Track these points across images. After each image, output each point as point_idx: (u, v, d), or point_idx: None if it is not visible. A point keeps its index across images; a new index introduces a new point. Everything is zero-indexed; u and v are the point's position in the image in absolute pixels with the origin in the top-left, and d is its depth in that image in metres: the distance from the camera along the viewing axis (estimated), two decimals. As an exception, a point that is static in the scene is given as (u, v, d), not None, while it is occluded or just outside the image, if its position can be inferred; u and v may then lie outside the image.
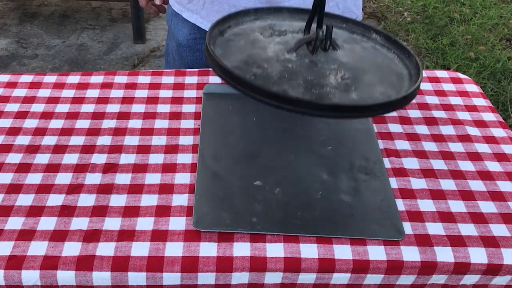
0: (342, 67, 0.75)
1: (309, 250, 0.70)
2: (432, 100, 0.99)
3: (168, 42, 1.22)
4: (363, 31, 0.85)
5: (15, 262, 0.67)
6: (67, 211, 0.74)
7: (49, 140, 0.86)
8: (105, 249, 0.69)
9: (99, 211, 0.74)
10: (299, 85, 0.71)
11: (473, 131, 0.92)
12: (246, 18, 0.82)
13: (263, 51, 0.77)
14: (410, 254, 0.70)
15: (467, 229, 0.74)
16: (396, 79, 0.75)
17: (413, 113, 0.95)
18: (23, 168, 0.81)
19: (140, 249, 0.69)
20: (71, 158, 0.82)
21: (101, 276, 0.67)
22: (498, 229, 0.74)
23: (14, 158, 0.83)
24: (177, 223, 0.73)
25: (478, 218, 0.76)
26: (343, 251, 0.70)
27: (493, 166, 0.85)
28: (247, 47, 0.78)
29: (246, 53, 0.76)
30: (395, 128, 0.91)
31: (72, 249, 0.69)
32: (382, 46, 0.82)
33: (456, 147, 0.88)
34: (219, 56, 0.71)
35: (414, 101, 0.98)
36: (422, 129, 0.92)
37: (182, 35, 1.13)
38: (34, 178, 0.79)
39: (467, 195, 0.79)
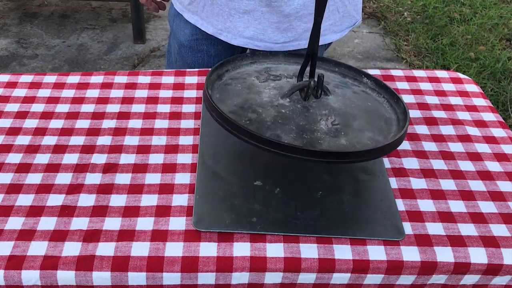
0: (332, 113, 0.78)
1: (309, 250, 0.70)
2: (432, 100, 0.99)
3: (170, 43, 1.22)
4: (354, 75, 0.89)
5: (15, 262, 0.67)
6: (67, 211, 0.74)
7: (49, 140, 0.86)
8: (105, 249, 0.69)
9: (99, 211, 0.74)
10: (291, 131, 0.74)
11: (473, 131, 0.92)
12: (244, 62, 0.87)
13: (258, 96, 0.80)
14: (410, 254, 0.70)
15: (467, 229, 0.74)
16: (384, 124, 0.78)
17: (413, 113, 0.95)
18: (23, 168, 0.81)
19: (140, 249, 0.69)
20: (71, 158, 0.82)
21: (101, 276, 0.67)
22: (498, 229, 0.74)
23: (14, 158, 0.83)
24: (177, 223, 0.73)
25: (478, 218, 0.76)
26: (343, 251, 0.70)
27: (493, 166, 0.85)
28: (244, 91, 0.81)
29: (242, 97, 0.80)
30: (395, 128, 0.91)
31: (72, 249, 0.69)
32: (372, 90, 0.86)
33: (456, 147, 0.88)
34: (216, 100, 0.75)
35: (414, 101, 0.98)
36: (422, 129, 0.92)
37: (184, 36, 1.12)
38: (34, 178, 0.79)
39: (467, 195, 0.79)
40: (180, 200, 0.76)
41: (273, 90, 0.82)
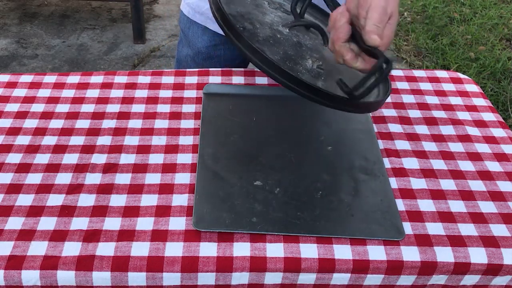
0: (322, 60, 0.78)
1: (309, 250, 0.70)
2: (432, 100, 0.99)
3: (180, 50, 1.20)
4: None
5: (15, 262, 0.67)
6: (67, 211, 0.74)
7: (49, 140, 0.86)
8: (105, 249, 0.69)
9: (99, 211, 0.74)
10: (277, 53, 0.74)
11: (473, 131, 0.92)
12: None
13: (262, 15, 0.80)
14: (410, 254, 0.70)
15: (467, 229, 0.74)
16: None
17: (413, 113, 0.95)
18: (23, 168, 0.81)
19: (140, 249, 0.69)
20: (71, 158, 0.82)
21: (101, 276, 0.67)
22: (498, 229, 0.74)
23: (14, 158, 0.82)
24: (177, 223, 0.73)
25: (478, 218, 0.76)
26: (343, 251, 0.70)
27: (493, 166, 0.85)
28: (250, 6, 0.80)
29: (246, 9, 0.79)
30: (395, 128, 0.91)
31: (72, 249, 0.69)
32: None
33: (456, 147, 0.88)
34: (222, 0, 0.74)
35: (414, 101, 0.98)
36: (422, 129, 0.92)
37: (202, 42, 1.12)
38: (34, 178, 0.79)
39: (467, 195, 0.79)
40: (180, 200, 0.76)
41: (278, 18, 0.82)
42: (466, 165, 0.85)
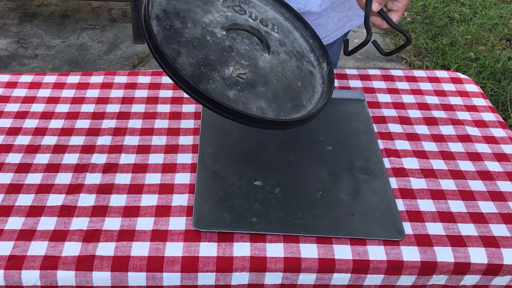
0: (250, 68, 0.75)
1: (309, 250, 0.70)
2: (432, 100, 0.99)
3: None
4: (322, 54, 0.85)
5: (15, 262, 0.67)
6: (67, 211, 0.74)
7: (49, 140, 0.86)
8: (105, 249, 0.69)
9: (99, 211, 0.74)
10: (195, 56, 0.71)
11: (473, 131, 0.92)
12: None
13: (202, 14, 0.76)
14: (410, 254, 0.70)
15: (467, 229, 0.74)
16: (290, 107, 0.75)
17: (413, 113, 0.95)
18: (23, 168, 0.81)
19: (140, 249, 0.69)
20: (71, 158, 0.82)
21: (101, 276, 0.67)
22: (498, 229, 0.74)
23: (14, 158, 0.82)
24: (177, 223, 0.73)
25: (478, 218, 0.76)
26: (343, 251, 0.70)
27: (493, 166, 0.85)
28: (196, 3, 0.77)
29: (188, 6, 0.76)
30: (395, 128, 0.91)
31: (72, 249, 0.69)
32: (320, 78, 0.83)
33: (456, 147, 0.88)
34: None
35: (414, 101, 0.98)
36: (422, 129, 0.92)
37: None
38: (34, 178, 0.79)
39: (467, 195, 0.79)
40: (180, 200, 0.76)
41: (223, 18, 0.77)
42: (466, 165, 0.85)
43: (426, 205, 0.77)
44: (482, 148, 0.88)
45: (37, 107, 0.93)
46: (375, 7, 0.79)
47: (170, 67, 0.67)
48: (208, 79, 0.70)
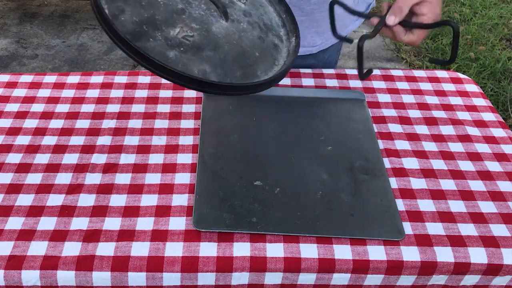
0: (200, 32, 0.73)
1: (309, 250, 0.70)
2: (432, 100, 0.99)
3: None
4: (292, 29, 0.84)
5: (15, 262, 0.67)
6: (67, 211, 0.74)
7: (49, 140, 0.86)
8: (105, 249, 0.69)
9: (99, 211, 0.74)
10: (140, 15, 0.70)
11: (473, 131, 0.92)
12: None
13: None
14: (410, 254, 0.70)
15: (467, 229, 0.74)
16: (240, 74, 0.74)
17: (413, 113, 0.95)
18: (23, 168, 0.81)
19: (140, 249, 0.69)
20: (71, 158, 0.82)
21: (101, 276, 0.67)
22: (498, 229, 0.74)
23: (14, 158, 0.82)
24: (177, 223, 0.73)
25: (478, 218, 0.76)
26: (343, 251, 0.70)
27: (493, 166, 0.85)
28: None
29: None
30: (395, 128, 0.91)
31: (72, 249, 0.69)
32: (286, 52, 0.81)
33: (456, 147, 0.88)
34: None
35: (414, 101, 0.98)
36: (422, 129, 0.92)
37: None
38: (34, 178, 0.79)
39: (467, 195, 0.79)
40: (180, 200, 0.76)
41: None
42: (466, 165, 0.85)
43: (426, 205, 0.77)
44: (482, 148, 0.88)
45: (37, 107, 0.93)
46: (391, 20, 0.76)
47: (106, 23, 0.66)
48: (149, 37, 0.69)
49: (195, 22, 0.73)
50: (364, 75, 0.79)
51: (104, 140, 0.86)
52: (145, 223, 0.73)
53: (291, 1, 0.97)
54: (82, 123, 0.90)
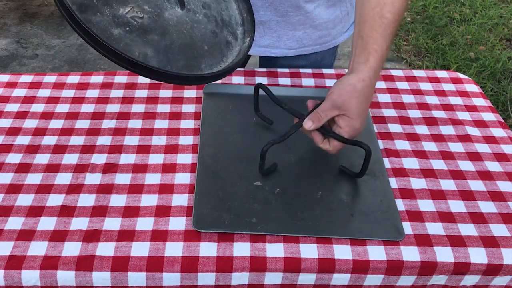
0: (151, 15, 0.73)
1: (309, 250, 0.70)
2: (432, 100, 0.99)
3: None
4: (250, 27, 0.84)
5: (15, 262, 0.67)
6: (67, 211, 0.74)
7: (49, 140, 0.86)
8: (105, 249, 0.69)
9: (99, 211, 0.74)
10: None
11: (473, 131, 0.92)
12: None
13: None
14: (410, 254, 0.70)
15: (467, 229, 0.74)
16: (182, 63, 0.73)
17: (413, 113, 0.95)
18: (23, 168, 0.81)
19: (140, 249, 0.69)
20: (71, 158, 0.82)
21: (101, 276, 0.67)
22: (498, 229, 0.74)
23: (14, 158, 0.82)
24: (177, 223, 0.73)
25: (478, 218, 0.76)
26: (343, 251, 0.70)
27: (493, 166, 0.85)
28: None
29: None
30: (395, 128, 0.91)
31: (72, 249, 0.69)
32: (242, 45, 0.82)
33: (456, 147, 0.88)
34: None
35: (414, 101, 0.98)
36: (422, 129, 0.92)
37: None
38: (34, 178, 0.79)
39: (467, 195, 0.79)
40: (180, 200, 0.76)
41: None
42: (466, 165, 0.85)
43: (426, 205, 0.77)
44: (482, 148, 0.88)
45: (37, 107, 0.93)
46: (308, 125, 0.75)
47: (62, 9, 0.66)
48: (96, 11, 0.69)
49: (148, 5, 0.73)
50: (265, 171, 0.80)
51: (104, 140, 0.86)
52: (145, 223, 0.73)
53: (268, 0, 0.98)
54: (82, 123, 0.89)
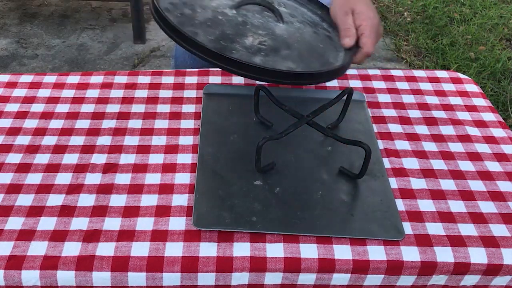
0: (269, 36, 0.78)
1: (309, 250, 0.70)
2: (432, 100, 0.99)
3: (178, 47, 1.20)
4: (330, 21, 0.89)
5: (15, 262, 0.67)
6: (67, 211, 0.74)
7: (49, 140, 0.86)
8: (105, 249, 0.69)
9: (99, 211, 0.74)
10: (212, 34, 0.74)
11: (473, 131, 0.92)
12: None
13: (209, 0, 0.81)
14: (410, 254, 0.70)
15: (467, 229, 0.74)
16: (317, 64, 0.78)
17: (413, 113, 0.95)
18: (23, 168, 0.81)
19: (140, 249, 0.69)
20: (71, 158, 0.82)
21: (101, 276, 0.67)
22: (498, 229, 0.74)
23: (14, 158, 0.82)
24: (177, 223, 0.73)
25: (478, 218, 0.76)
26: (343, 251, 0.70)
27: (493, 166, 0.85)
28: None
29: None
30: (395, 128, 0.91)
31: (72, 249, 0.69)
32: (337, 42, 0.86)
33: (456, 147, 0.88)
34: None
35: (414, 101, 0.98)
36: (422, 129, 0.92)
37: None
38: (34, 178, 0.79)
39: (467, 195, 0.79)
40: (180, 200, 0.76)
41: (229, 0, 0.83)
42: (466, 165, 0.85)
43: (426, 205, 0.77)
44: (482, 148, 0.88)
45: (37, 107, 0.93)
46: (347, 43, 0.80)
47: (192, 43, 0.69)
48: (231, 50, 0.73)
49: (260, 29, 0.79)
50: (261, 169, 0.81)
51: (104, 140, 0.86)
52: (145, 223, 0.73)
53: None
54: (82, 123, 0.90)
